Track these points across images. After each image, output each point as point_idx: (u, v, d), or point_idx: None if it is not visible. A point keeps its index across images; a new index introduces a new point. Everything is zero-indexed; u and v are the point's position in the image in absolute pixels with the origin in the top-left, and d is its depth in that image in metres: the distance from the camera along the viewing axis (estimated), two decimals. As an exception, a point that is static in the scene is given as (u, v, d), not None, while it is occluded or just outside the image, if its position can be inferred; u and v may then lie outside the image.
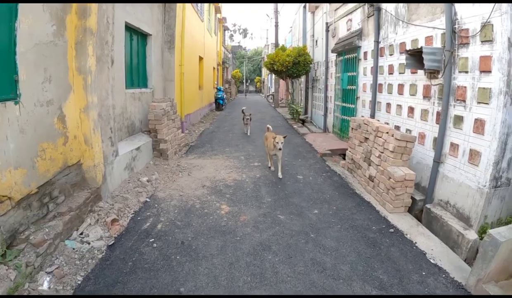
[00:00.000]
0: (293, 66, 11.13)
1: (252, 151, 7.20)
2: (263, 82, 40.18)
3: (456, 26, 3.68)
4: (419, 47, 4.19)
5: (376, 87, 5.80)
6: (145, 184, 4.63)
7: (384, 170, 4.34)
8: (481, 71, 3.35)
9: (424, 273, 2.86)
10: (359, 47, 6.61)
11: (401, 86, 4.98)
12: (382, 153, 4.46)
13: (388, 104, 5.40)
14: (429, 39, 4.27)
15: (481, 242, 2.66)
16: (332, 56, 8.68)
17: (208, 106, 14.61)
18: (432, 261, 3.05)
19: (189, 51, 9.46)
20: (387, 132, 4.41)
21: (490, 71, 3.24)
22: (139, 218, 3.76)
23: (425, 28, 4.30)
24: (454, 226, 3.45)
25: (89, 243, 3.10)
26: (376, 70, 5.76)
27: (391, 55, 5.28)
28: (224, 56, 23.40)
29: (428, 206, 4.01)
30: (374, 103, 5.89)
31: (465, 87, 3.58)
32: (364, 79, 6.53)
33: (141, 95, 6.06)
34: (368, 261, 3.03)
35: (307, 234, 3.48)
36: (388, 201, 4.16)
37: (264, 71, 37.75)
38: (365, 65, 6.42)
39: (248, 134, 9.30)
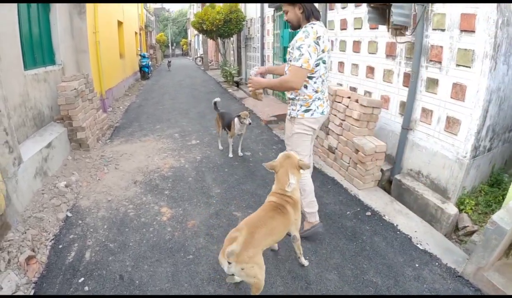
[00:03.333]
0: (224, 25, 9.92)
1: (187, 126, 6.15)
2: (190, 44, 37.85)
3: None
4: None
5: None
6: (63, 192, 3.40)
7: (348, 141, 3.84)
8: (462, 30, 2.91)
9: (417, 265, 2.47)
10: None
11: (357, 44, 4.41)
12: (344, 120, 3.93)
13: (341, 63, 4.83)
14: None
15: (484, 230, 2.31)
16: (269, 12, 7.77)
17: (133, 75, 12.67)
18: (420, 246, 2.67)
19: (105, 15, 7.70)
20: (349, 97, 3.85)
21: (473, 31, 2.80)
22: (60, 246, 2.67)
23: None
24: (431, 199, 3.14)
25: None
26: (325, 25, 5.06)
27: (343, 8, 4.62)
28: (146, 19, 20.73)
29: (397, 177, 3.66)
30: (324, 63, 5.27)
31: (441, 47, 3.13)
32: (310, 36, 5.79)
33: (47, 75, 4.50)
34: (355, 260, 2.51)
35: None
36: (357, 177, 3.70)
37: (191, 32, 35.45)
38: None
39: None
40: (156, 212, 3.12)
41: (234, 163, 4.28)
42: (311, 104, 2.46)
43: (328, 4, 4.95)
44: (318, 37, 2.27)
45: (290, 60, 2.38)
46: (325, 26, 4.93)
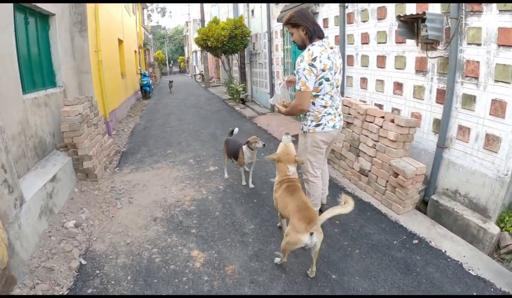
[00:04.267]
0: (229, 41, 9.74)
1: (200, 149, 5.82)
2: (188, 61, 38.08)
3: None
4: (417, 13, 3.41)
5: (344, 59, 4.96)
6: (73, 233, 3.08)
7: (383, 163, 3.58)
8: (500, 45, 2.77)
9: (474, 293, 2.30)
10: (316, 13, 5.64)
11: (381, 59, 4.20)
12: (377, 141, 3.68)
13: (363, 79, 4.62)
14: (422, 5, 3.52)
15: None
16: (278, 26, 7.60)
17: (134, 95, 12.44)
18: (472, 272, 2.50)
19: (107, 33, 7.48)
20: (382, 117, 3.61)
21: (512, 46, 2.64)
22: (78, 305, 2.33)
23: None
24: (472, 219, 2.99)
25: None
26: (343, 39, 4.89)
27: (364, 22, 4.43)
28: (144, 37, 20.65)
29: (434, 197, 3.44)
30: (342, 78, 5.05)
31: (477, 62, 2.99)
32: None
33: (48, 98, 4.20)
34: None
35: (327, 277, 2.50)
36: (396, 201, 3.43)
37: (188, 49, 35.67)
38: (326, 33, 5.49)
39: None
40: (186, 256, 2.79)
41: (262, 192, 3.94)
42: (321, 119, 2.62)
43: (345, 18, 4.77)
44: (314, 59, 2.40)
45: None
46: (344, 41, 4.81)
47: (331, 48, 2.58)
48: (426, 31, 3.34)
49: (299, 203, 2.40)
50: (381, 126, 3.61)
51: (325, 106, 2.61)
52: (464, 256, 2.68)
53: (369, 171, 3.82)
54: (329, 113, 2.63)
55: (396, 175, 3.40)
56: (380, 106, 4.26)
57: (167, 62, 41.04)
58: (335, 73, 2.55)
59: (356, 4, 4.52)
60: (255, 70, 10.28)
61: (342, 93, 5.06)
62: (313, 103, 2.61)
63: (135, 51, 13.98)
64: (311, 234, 2.15)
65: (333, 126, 2.67)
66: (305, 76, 2.44)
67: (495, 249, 2.88)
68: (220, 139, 6.32)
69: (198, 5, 17.55)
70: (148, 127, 8.02)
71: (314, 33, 2.52)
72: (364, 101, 4.53)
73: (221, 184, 4.25)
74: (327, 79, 2.50)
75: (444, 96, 3.38)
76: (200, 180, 4.38)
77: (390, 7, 3.90)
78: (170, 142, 6.36)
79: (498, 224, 2.94)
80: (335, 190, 3.79)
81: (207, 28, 10.17)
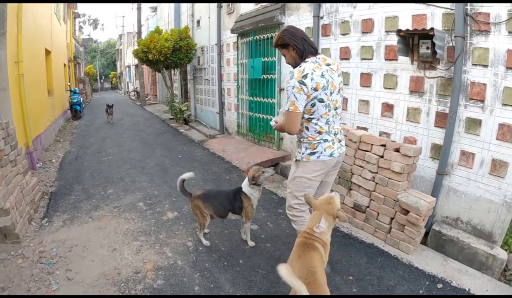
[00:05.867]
0: (173, 54, 8.68)
1: (149, 187, 4.65)
2: (120, 77, 35.63)
3: (468, 7, 2.82)
4: (415, 28, 3.08)
5: (318, 78, 4.48)
6: None
7: (385, 198, 3.11)
8: (509, 68, 2.65)
9: None
10: (282, 24, 5.05)
11: (366, 76, 3.80)
12: (376, 173, 3.19)
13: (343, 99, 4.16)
14: (419, 19, 3.22)
15: None
16: (230, 38, 6.89)
17: (63, 115, 10.53)
18: None
19: (31, 41, 5.99)
20: (383, 145, 3.13)
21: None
22: None
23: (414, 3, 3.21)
24: (479, 247, 2.85)
25: None
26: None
27: (344, 35, 4.00)
28: (75, 50, 18.19)
29: (435, 227, 3.15)
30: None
31: (484, 84, 2.82)
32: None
33: None
34: None
35: None
36: (405, 240, 2.98)
37: (120, 64, 33.65)
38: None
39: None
40: None
41: (244, 247, 3.08)
42: (316, 146, 2.30)
43: (320, 30, 4.29)
44: (304, 76, 2.14)
45: None
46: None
47: (328, 64, 2.26)
48: (427, 48, 3.04)
49: (305, 271, 1.78)
50: (381, 156, 3.13)
51: (320, 132, 2.27)
52: (487, 291, 2.59)
53: (367, 207, 3.31)
54: (326, 140, 2.29)
55: (405, 211, 2.96)
56: (365, 129, 3.84)
57: (98, 77, 37.88)
58: (331, 93, 2.22)
59: (334, 14, 4.07)
60: (199, 87, 9.38)
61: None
62: (307, 128, 2.30)
63: (65, 65, 12.06)
64: None
65: (331, 155, 2.31)
66: (294, 95, 2.15)
67: (503, 273, 2.84)
68: (171, 173, 5.27)
69: (134, 16, 16.20)
70: (81, 156, 6.54)
71: (305, 50, 2.27)
72: (344, 123, 4.07)
73: (189, 238, 3.26)
74: (321, 100, 2.18)
75: (444, 120, 3.14)
76: (159, 235, 3.33)
77: (379, 20, 3.52)
78: (110, 178, 5.08)
79: (502, 247, 2.92)
80: (335, 233, 3.14)
81: (149, 39, 8.92)
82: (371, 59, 3.68)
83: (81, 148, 7.24)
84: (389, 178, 3.07)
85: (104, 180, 4.97)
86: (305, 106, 2.19)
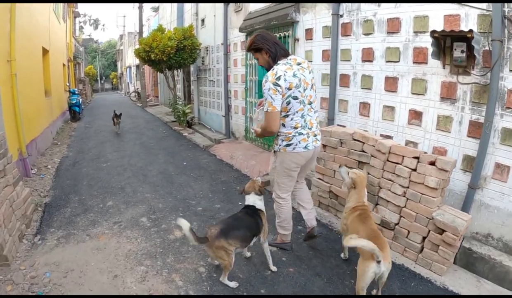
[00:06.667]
0: (177, 54, 8.35)
1: (153, 199, 4.29)
2: (121, 77, 35.37)
3: (506, 8, 2.54)
4: (460, 29, 2.77)
5: (336, 79, 4.19)
6: None
7: (418, 215, 2.84)
8: None
9: None
10: (296, 22, 4.76)
11: (391, 80, 3.51)
12: (407, 187, 2.92)
13: (364, 105, 3.89)
14: (452, 20, 2.92)
15: None
16: (238, 38, 6.58)
17: (61, 116, 10.19)
18: None
19: (26, 39, 5.68)
20: (416, 158, 2.86)
21: None
22: None
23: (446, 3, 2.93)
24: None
25: None
26: (335, 55, 4.10)
27: (367, 35, 3.71)
28: (75, 49, 17.90)
29: (465, 244, 2.88)
30: (333, 101, 4.26)
31: None
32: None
33: None
34: None
35: None
36: (439, 261, 2.71)
37: (121, 64, 33.46)
38: (309, 47, 4.63)
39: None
40: None
41: (265, 273, 2.73)
42: (292, 138, 2.53)
43: (339, 29, 4.01)
44: (278, 78, 2.35)
45: None
46: (336, 57, 4.03)
47: (298, 64, 2.49)
48: (462, 52, 2.77)
49: (369, 231, 2.33)
50: (414, 169, 2.86)
51: (295, 127, 2.51)
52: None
53: (396, 224, 3.03)
54: (301, 133, 2.52)
55: (440, 230, 2.69)
56: (390, 137, 3.56)
57: (98, 78, 37.48)
58: (304, 89, 2.46)
59: (355, 13, 3.79)
60: (203, 88, 9.07)
61: (332, 120, 4.31)
62: (283, 125, 2.53)
63: (64, 65, 11.76)
64: (378, 262, 2.04)
65: (305, 147, 2.55)
66: (271, 97, 2.37)
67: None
68: (177, 182, 4.93)
69: (136, 16, 15.99)
70: (79, 161, 6.22)
71: (277, 53, 2.50)
72: (366, 131, 3.80)
73: (200, 263, 2.88)
74: (295, 98, 2.42)
75: (478, 130, 2.87)
76: (166, 258, 2.96)
77: (406, 19, 3.24)
78: (110, 188, 4.73)
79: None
80: (352, 252, 2.86)
81: (151, 38, 8.57)
82: (398, 62, 3.40)
83: (79, 152, 6.93)
84: (423, 194, 2.79)
85: (103, 190, 4.63)
86: (281, 105, 2.40)
